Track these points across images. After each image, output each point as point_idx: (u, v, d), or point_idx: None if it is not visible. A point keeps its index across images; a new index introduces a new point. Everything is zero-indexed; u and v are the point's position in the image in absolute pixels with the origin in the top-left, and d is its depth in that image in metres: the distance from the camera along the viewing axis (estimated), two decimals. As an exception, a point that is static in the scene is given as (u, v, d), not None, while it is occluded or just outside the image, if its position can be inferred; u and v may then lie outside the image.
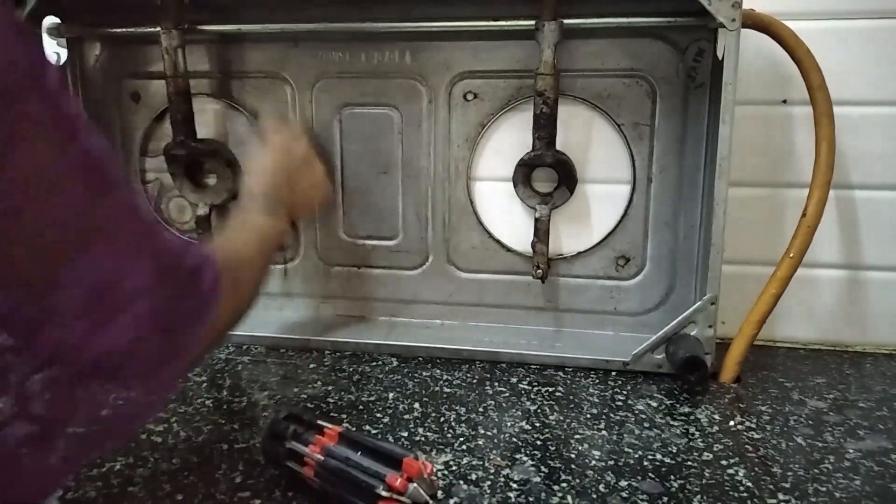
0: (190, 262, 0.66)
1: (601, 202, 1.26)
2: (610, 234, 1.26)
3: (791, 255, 1.14)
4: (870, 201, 1.24)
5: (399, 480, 0.73)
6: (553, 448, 0.92)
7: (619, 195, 1.25)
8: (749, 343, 1.15)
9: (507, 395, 1.08)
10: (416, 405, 1.04)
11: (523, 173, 1.23)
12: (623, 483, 0.84)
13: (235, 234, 0.94)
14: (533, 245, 1.24)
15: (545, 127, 1.17)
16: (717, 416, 1.02)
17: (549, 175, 1.24)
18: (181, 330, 0.64)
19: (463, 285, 1.33)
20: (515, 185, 1.24)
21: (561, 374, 1.16)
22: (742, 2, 1.03)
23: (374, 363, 1.19)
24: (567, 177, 1.22)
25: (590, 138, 1.24)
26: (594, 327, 1.30)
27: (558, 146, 1.19)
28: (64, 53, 1.34)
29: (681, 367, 1.10)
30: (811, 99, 1.12)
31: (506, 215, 1.29)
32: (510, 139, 1.26)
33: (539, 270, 1.24)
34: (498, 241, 1.30)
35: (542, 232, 1.23)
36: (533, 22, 1.14)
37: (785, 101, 1.22)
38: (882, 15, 1.17)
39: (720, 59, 1.05)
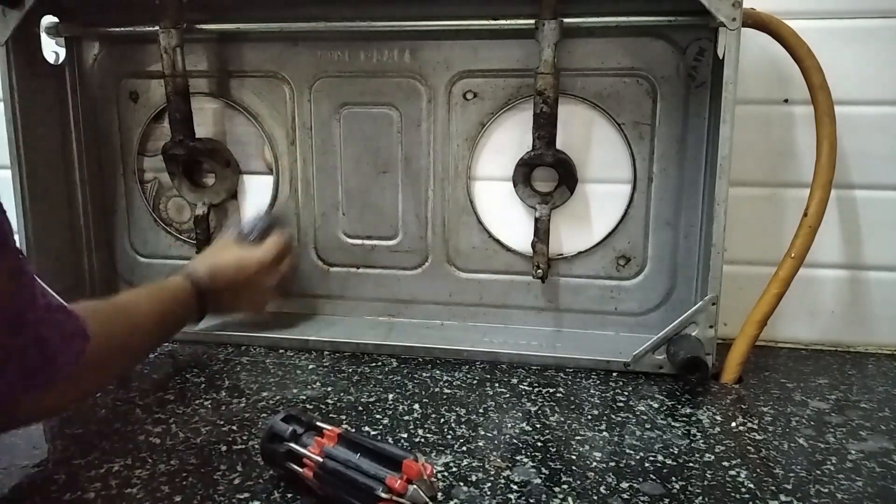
0: (46, 332, 0.71)
1: (601, 202, 1.26)
2: (610, 233, 1.26)
3: (792, 255, 1.13)
4: (871, 201, 1.24)
5: (399, 482, 0.73)
6: (554, 449, 0.92)
7: (619, 195, 1.25)
8: (751, 343, 1.14)
9: (507, 396, 1.07)
10: (416, 406, 1.04)
11: (523, 173, 1.23)
12: (624, 484, 0.84)
13: (147, 298, 1.01)
14: (533, 245, 1.23)
15: (545, 126, 1.17)
16: (718, 417, 1.01)
17: (549, 174, 1.24)
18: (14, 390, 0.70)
19: (463, 285, 1.33)
20: (515, 185, 1.24)
21: (562, 375, 1.15)
22: (742, 1, 1.02)
23: (374, 364, 1.19)
24: (567, 176, 1.22)
25: (590, 138, 1.24)
26: (594, 327, 1.30)
27: (558, 145, 1.19)
28: (62, 53, 1.34)
29: (682, 368, 1.09)
30: (812, 98, 1.12)
31: (506, 215, 1.29)
32: (510, 138, 1.25)
33: (539, 270, 1.23)
34: (498, 241, 1.30)
35: (542, 232, 1.22)
36: (533, 21, 1.14)
37: (787, 101, 1.22)
38: (883, 14, 1.17)
39: (721, 58, 1.05)
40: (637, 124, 1.21)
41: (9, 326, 0.66)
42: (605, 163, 1.24)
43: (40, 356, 0.70)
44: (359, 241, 1.35)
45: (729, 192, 1.07)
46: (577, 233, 1.28)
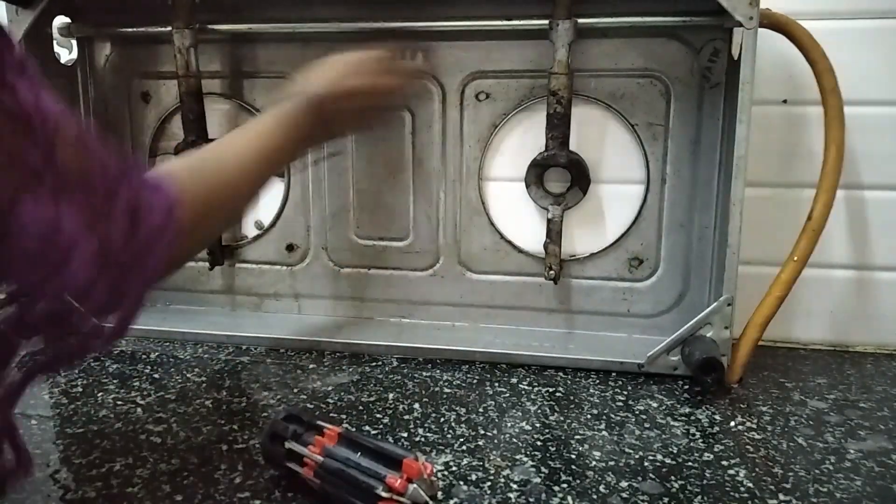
0: (128, 195, 0.63)
1: (614, 203, 1.25)
2: (623, 235, 1.25)
3: (795, 258, 1.12)
4: (872, 201, 1.24)
5: (399, 481, 0.73)
6: (553, 449, 0.92)
7: (632, 196, 1.24)
8: (753, 346, 1.13)
9: (507, 395, 1.07)
10: (416, 406, 1.04)
11: (536, 174, 1.22)
12: (623, 484, 0.83)
13: (239, 139, 0.88)
14: (545, 246, 1.23)
15: (558, 127, 1.16)
16: (717, 417, 1.01)
17: (561, 175, 1.23)
18: (130, 267, 0.63)
19: (474, 287, 1.32)
20: (528, 186, 1.23)
21: (561, 374, 1.15)
22: (759, 0, 1.02)
23: (374, 363, 1.19)
24: (580, 177, 1.21)
25: (603, 138, 1.23)
26: (607, 329, 1.29)
27: (571, 146, 1.18)
28: (74, 53, 1.35)
29: (697, 369, 1.08)
30: (823, 102, 1.11)
31: (518, 216, 1.28)
32: (523, 139, 1.25)
33: (551, 272, 1.22)
34: (510, 243, 1.29)
35: (554, 233, 1.22)
36: (546, 21, 1.14)
37: (785, 101, 1.21)
38: (893, 15, 1.16)
39: (735, 58, 1.04)
40: (650, 125, 1.20)
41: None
42: (618, 164, 1.24)
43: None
44: (370, 243, 1.34)
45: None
46: (589, 234, 1.27)
